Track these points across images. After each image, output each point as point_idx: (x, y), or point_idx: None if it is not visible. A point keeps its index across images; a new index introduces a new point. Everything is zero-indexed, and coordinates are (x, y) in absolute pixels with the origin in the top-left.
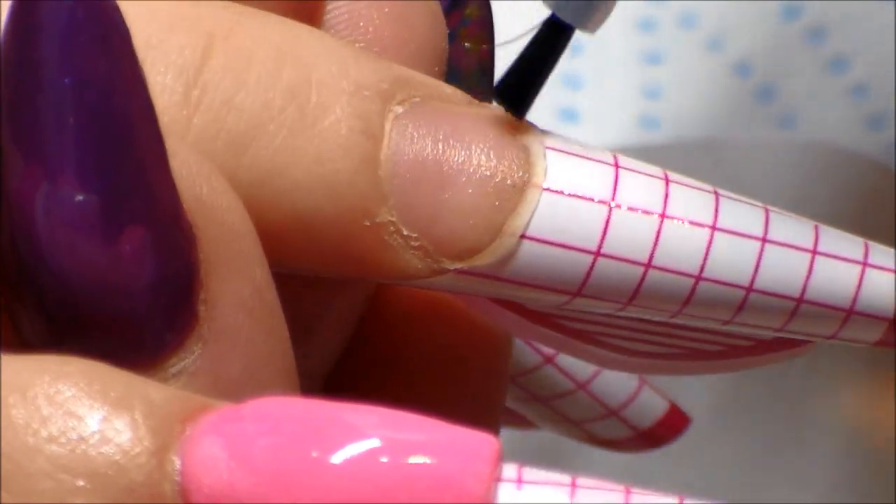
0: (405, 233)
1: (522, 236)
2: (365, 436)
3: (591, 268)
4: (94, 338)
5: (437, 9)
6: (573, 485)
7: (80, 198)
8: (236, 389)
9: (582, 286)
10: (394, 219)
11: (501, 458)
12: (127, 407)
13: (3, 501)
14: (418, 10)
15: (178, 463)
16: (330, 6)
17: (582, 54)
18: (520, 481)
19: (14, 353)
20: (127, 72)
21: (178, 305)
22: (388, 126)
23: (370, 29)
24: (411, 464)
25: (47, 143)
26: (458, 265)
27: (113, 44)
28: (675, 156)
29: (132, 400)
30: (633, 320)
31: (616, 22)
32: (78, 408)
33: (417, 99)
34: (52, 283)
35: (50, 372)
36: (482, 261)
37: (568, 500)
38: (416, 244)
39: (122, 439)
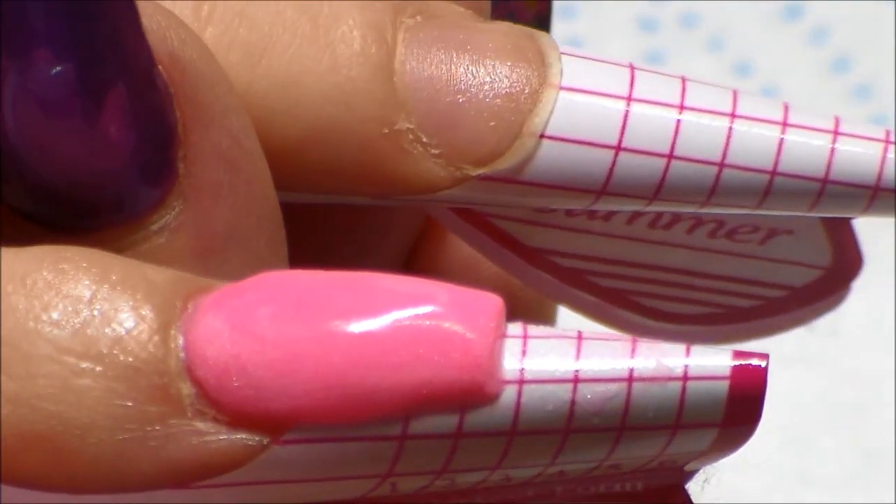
0: (424, 140)
1: (542, 136)
2: (369, 299)
3: (614, 163)
4: (78, 204)
5: None
6: (579, 338)
7: (56, 69)
8: (221, 242)
9: (606, 183)
10: (412, 126)
11: (505, 315)
12: (128, 287)
13: (6, 387)
14: None
15: (181, 339)
16: None
17: None
18: (525, 337)
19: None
20: None
21: (157, 164)
22: (400, 36)
23: None
24: (416, 325)
25: (19, 19)
26: (481, 170)
27: None
28: None
29: (132, 281)
30: (664, 270)
31: (617, 21)
32: (78, 290)
33: (429, 13)
34: (33, 164)
35: (48, 258)
36: (504, 164)
37: (574, 353)
38: (437, 151)
39: (124, 318)
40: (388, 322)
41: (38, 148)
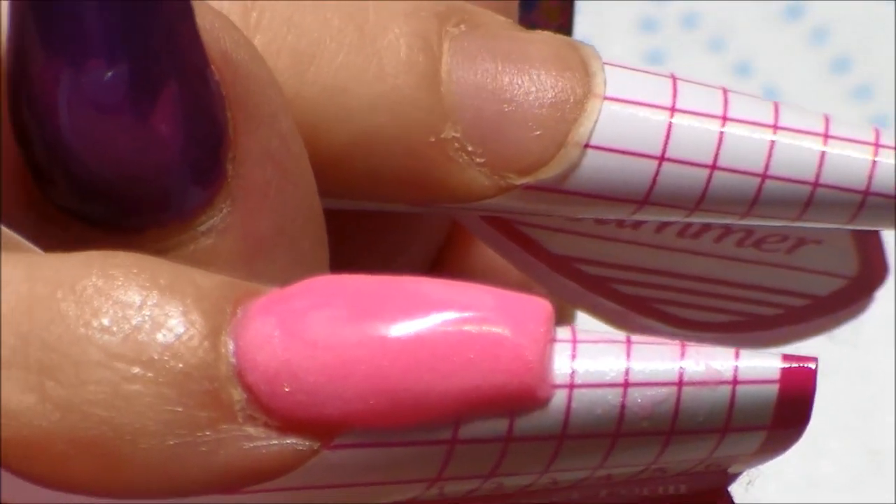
0: (470, 149)
1: (586, 146)
2: (420, 304)
3: (657, 173)
4: (126, 201)
5: None
6: (628, 342)
7: (110, 74)
8: (268, 244)
9: (648, 193)
10: (458, 134)
11: (554, 319)
12: (177, 293)
13: (56, 394)
14: None
15: (231, 344)
16: None
17: None
18: (574, 341)
19: (57, 250)
20: None
21: (207, 164)
22: (445, 45)
23: None
24: (466, 330)
25: (76, 27)
26: (525, 180)
27: None
28: None
29: (182, 286)
30: (688, 278)
31: (618, 21)
32: (128, 296)
33: (473, 22)
34: (84, 161)
35: (97, 264)
36: (548, 173)
37: (624, 357)
38: (482, 160)
39: (175, 324)
40: (438, 327)
41: (90, 144)
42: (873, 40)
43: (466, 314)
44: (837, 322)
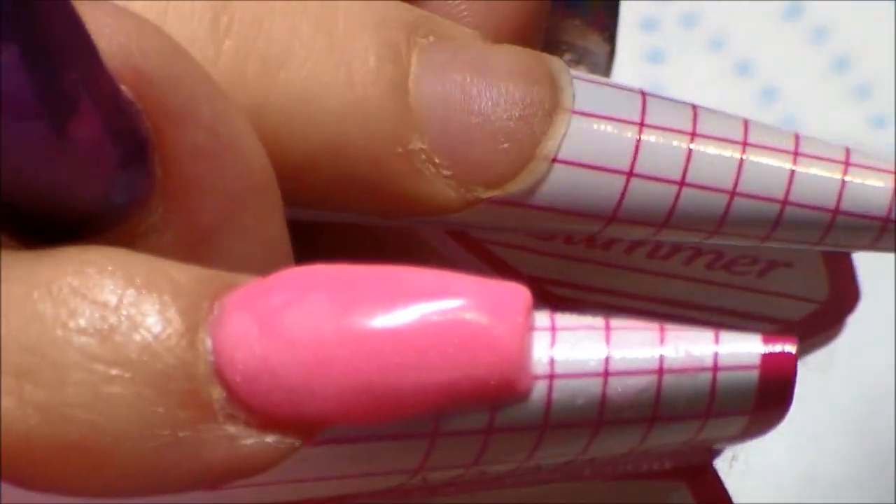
0: (437, 160)
1: (554, 160)
2: (395, 296)
3: (625, 189)
4: (59, 216)
5: None
6: (607, 328)
7: (8, 80)
8: (213, 234)
9: (616, 209)
10: (425, 146)
11: (532, 307)
12: (153, 290)
13: (35, 396)
14: None
15: (209, 342)
16: None
17: None
18: (553, 329)
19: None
20: None
21: (134, 172)
22: (414, 55)
23: None
24: (444, 319)
25: None
26: (492, 193)
27: None
28: None
29: (157, 282)
30: (659, 301)
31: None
32: (105, 296)
33: (441, 33)
34: (4, 177)
35: (72, 262)
36: (515, 187)
37: (604, 345)
38: (448, 172)
39: (152, 323)
40: (416, 319)
41: (9, 168)
42: (873, 40)
43: (445, 305)
44: (810, 348)
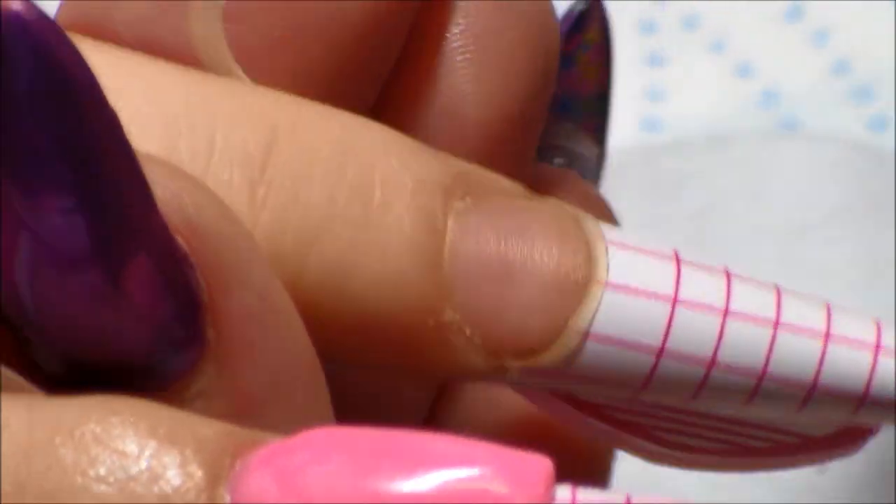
0: (468, 332)
1: (586, 334)
2: (417, 462)
3: (655, 366)
4: (107, 373)
5: (546, 10)
6: (627, 502)
7: (66, 226)
8: (259, 401)
9: (646, 383)
10: (458, 318)
11: (555, 480)
12: (176, 443)
13: None
14: (525, 12)
15: (228, 498)
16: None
17: None
18: (574, 503)
19: (51, 393)
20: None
21: (186, 332)
22: (450, 222)
23: (470, 13)
24: (464, 489)
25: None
26: (521, 363)
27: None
28: (678, 158)
29: (181, 436)
30: (684, 412)
31: (618, 24)
32: (126, 446)
33: (478, 193)
34: (56, 333)
35: (97, 410)
36: (545, 359)
37: None
38: (479, 342)
39: (172, 475)
40: (436, 486)
41: (54, 312)
42: (873, 41)
43: (465, 473)
44: (826, 459)
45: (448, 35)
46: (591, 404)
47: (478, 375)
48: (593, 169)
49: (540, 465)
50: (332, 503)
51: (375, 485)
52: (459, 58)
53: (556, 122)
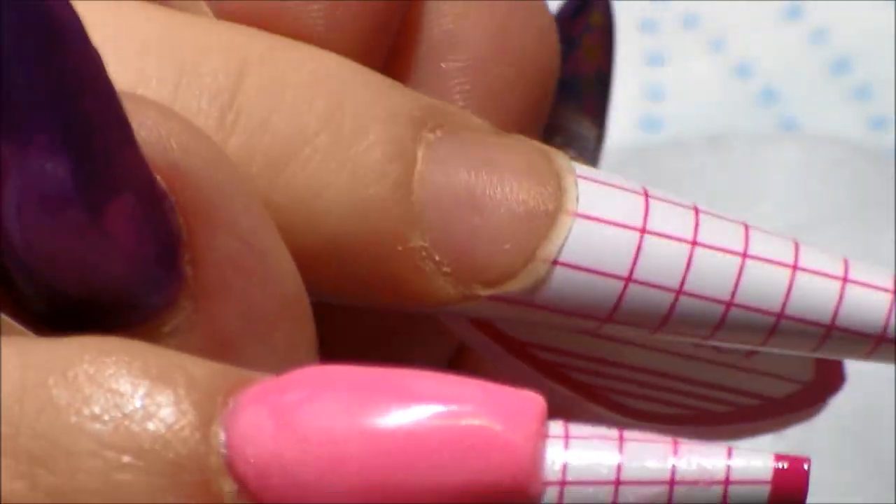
0: (437, 258)
1: (554, 262)
2: (411, 398)
3: (623, 294)
4: (86, 308)
5: (547, 23)
6: (620, 439)
7: (49, 165)
8: (235, 341)
9: (612, 312)
10: (426, 244)
11: (547, 415)
12: (169, 381)
13: (48, 482)
14: (524, 27)
15: (222, 435)
16: (426, 21)
17: None
18: (567, 437)
19: (40, 334)
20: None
21: (165, 270)
22: (420, 152)
23: (469, 48)
24: (459, 425)
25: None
26: (490, 291)
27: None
28: (677, 157)
29: (173, 374)
30: (643, 371)
31: (618, 23)
32: (120, 385)
33: (448, 127)
34: (38, 269)
35: (89, 351)
36: (513, 287)
37: (617, 455)
38: (448, 269)
39: (166, 414)
40: (430, 421)
41: (38, 250)
42: (873, 40)
43: (459, 408)
44: (787, 423)
45: (445, 67)
46: (548, 364)
47: (448, 304)
48: (591, 149)
49: (533, 401)
50: (326, 438)
51: (369, 420)
52: (457, 89)
53: (558, 101)
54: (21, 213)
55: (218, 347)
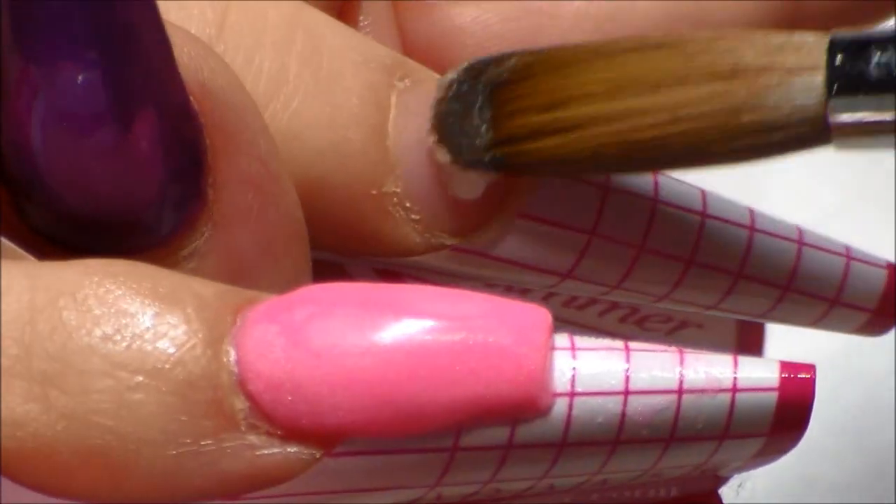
0: (407, 205)
1: (521, 214)
2: (420, 313)
3: (585, 248)
4: (107, 228)
5: None
6: (626, 349)
7: (82, 77)
8: (250, 265)
9: (573, 267)
10: (398, 189)
11: (552, 327)
12: (178, 302)
13: (61, 403)
14: None
15: (233, 353)
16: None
17: None
18: (573, 349)
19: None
20: None
21: (187, 191)
22: (393, 98)
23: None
24: (467, 339)
25: (50, 34)
26: (456, 241)
27: None
28: None
29: (182, 295)
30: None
31: None
32: (129, 306)
33: (415, 76)
34: (63, 186)
35: (97, 273)
36: (480, 238)
37: (624, 365)
38: (417, 217)
39: (177, 333)
40: (440, 336)
41: (69, 169)
42: None
43: (468, 323)
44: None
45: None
46: None
47: (414, 252)
48: None
49: (539, 314)
50: (337, 353)
51: (380, 335)
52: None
53: None
54: (50, 132)
55: (234, 271)
